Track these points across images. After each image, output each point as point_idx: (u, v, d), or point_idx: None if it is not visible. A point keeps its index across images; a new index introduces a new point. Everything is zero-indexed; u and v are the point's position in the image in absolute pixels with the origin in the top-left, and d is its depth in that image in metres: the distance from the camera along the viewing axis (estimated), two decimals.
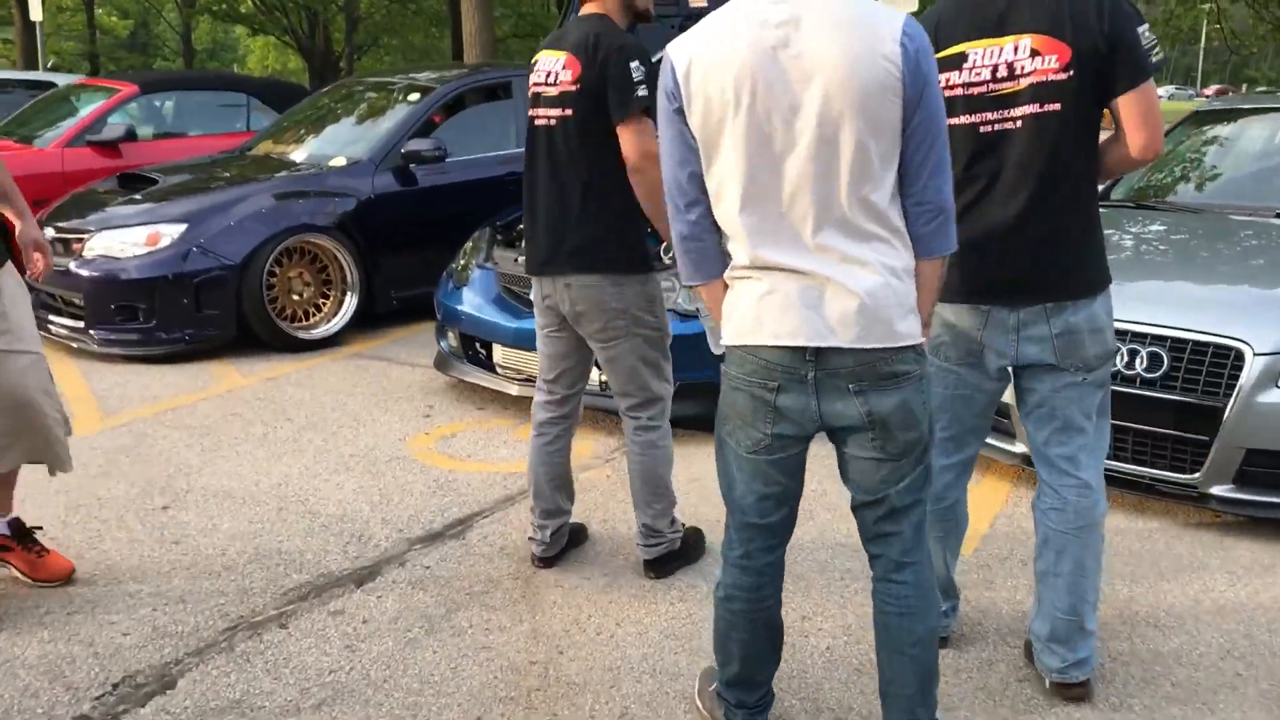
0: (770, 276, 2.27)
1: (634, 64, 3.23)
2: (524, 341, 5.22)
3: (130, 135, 8.56)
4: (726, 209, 2.29)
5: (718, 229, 2.36)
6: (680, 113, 2.30)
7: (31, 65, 21.16)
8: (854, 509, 2.49)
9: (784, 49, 2.18)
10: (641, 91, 3.21)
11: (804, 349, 2.26)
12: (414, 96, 7.64)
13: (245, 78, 14.55)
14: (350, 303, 6.90)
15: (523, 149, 7.95)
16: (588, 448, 4.94)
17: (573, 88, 3.32)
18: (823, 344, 2.24)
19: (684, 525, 3.80)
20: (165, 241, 6.37)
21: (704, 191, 2.34)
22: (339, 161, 7.16)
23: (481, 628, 3.33)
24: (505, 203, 7.45)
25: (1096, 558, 2.94)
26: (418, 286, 7.22)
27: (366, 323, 7.07)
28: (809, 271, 2.23)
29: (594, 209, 3.34)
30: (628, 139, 3.21)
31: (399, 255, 7.16)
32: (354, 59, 35.14)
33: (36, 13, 14.55)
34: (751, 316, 2.30)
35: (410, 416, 5.39)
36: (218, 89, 9.92)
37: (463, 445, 4.98)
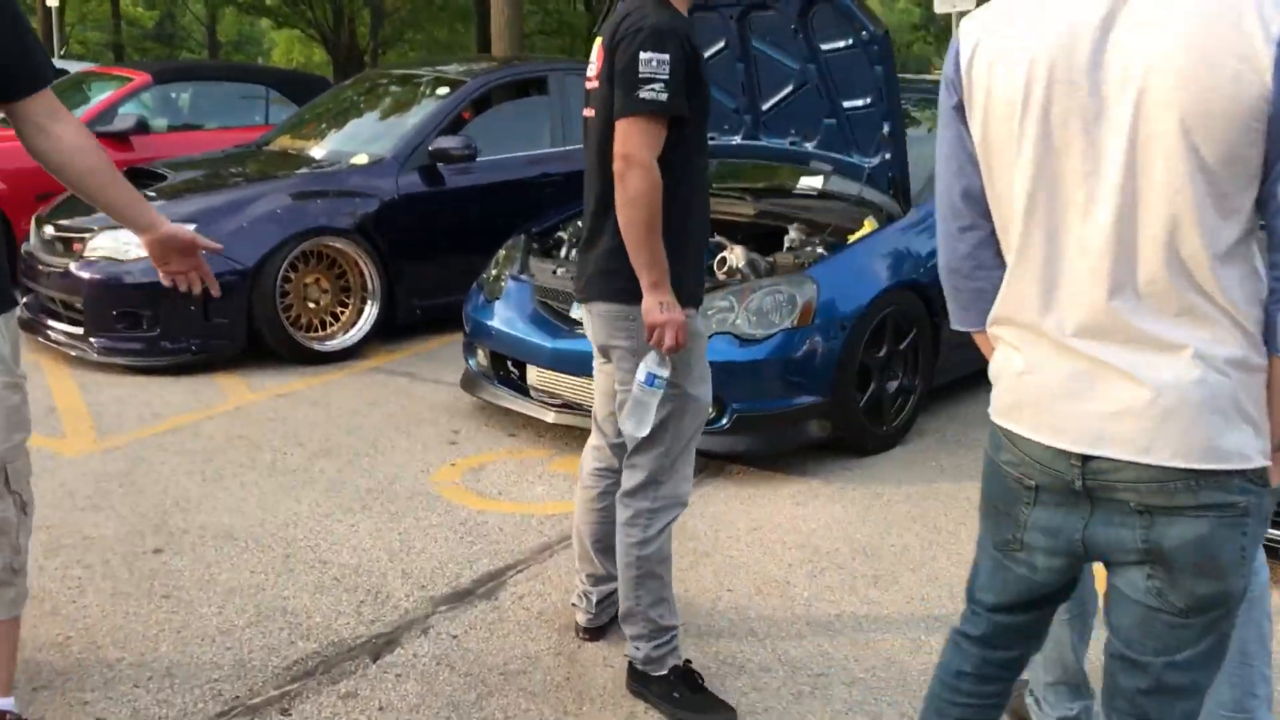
0: (1031, 347, 1.77)
1: (647, 55, 2.59)
2: (562, 363, 4.70)
3: (142, 127, 8.09)
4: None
5: (1001, 262, 1.84)
6: (960, 110, 1.81)
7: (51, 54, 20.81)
8: (1107, 657, 1.89)
9: (1102, 34, 1.63)
10: (649, 92, 2.57)
11: (1069, 452, 1.74)
12: (442, 91, 7.13)
13: (264, 68, 14.13)
14: (370, 312, 6.39)
15: (559, 148, 7.56)
16: None
17: (595, 84, 2.80)
18: (1093, 452, 1.71)
19: (683, 660, 2.98)
20: None
21: (984, 214, 1.84)
22: (361, 159, 6.66)
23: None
24: (540, 207, 6.96)
25: (1263, 640, 2.42)
26: (444, 295, 6.71)
27: (387, 334, 6.57)
28: (1082, 350, 1.70)
29: (614, 224, 2.75)
30: (616, 137, 2.63)
31: (424, 261, 6.65)
32: (379, 54, 34.72)
33: None
34: (1010, 395, 1.82)
35: (434, 443, 4.88)
36: (235, 80, 9.43)
37: (493, 480, 4.46)
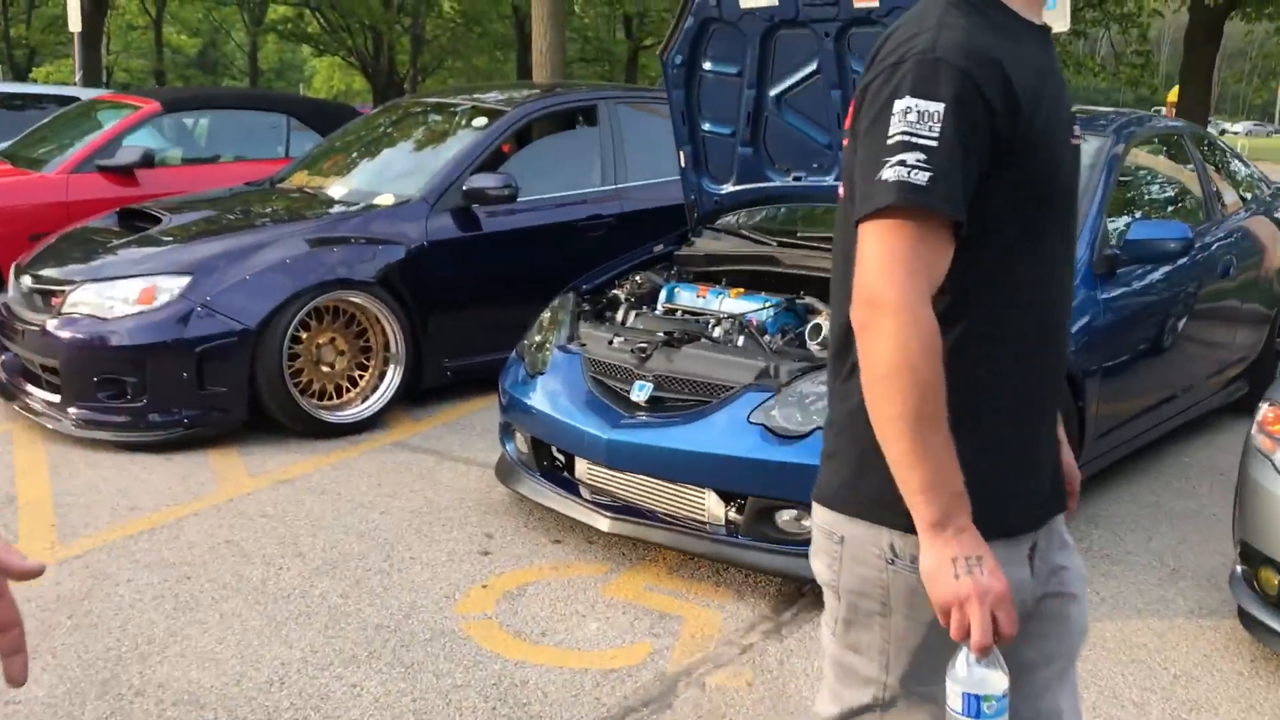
0: None
1: (905, 103, 1.53)
2: (619, 458, 3.79)
3: (148, 160, 7.30)
4: None
5: None
6: None
7: (93, 82, 20.25)
8: None
9: None
10: (897, 169, 1.50)
11: None
12: (480, 122, 6.28)
13: (284, 95, 13.38)
14: (393, 377, 5.52)
15: (610, 186, 6.70)
16: (713, 623, 3.50)
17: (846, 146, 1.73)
18: None
19: None
20: (163, 298, 5.04)
21: None
22: (386, 199, 5.82)
23: None
24: (589, 255, 6.09)
25: None
26: (478, 354, 5.86)
27: (412, 398, 5.71)
28: None
29: (851, 380, 1.66)
30: (860, 251, 1.56)
31: (455, 316, 5.79)
32: (418, 81, 34.23)
33: (75, 23, 13.50)
34: None
35: (463, 553, 3.98)
36: (252, 108, 8.64)
37: (534, 611, 3.56)
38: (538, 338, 4.49)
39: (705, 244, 4.91)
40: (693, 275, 4.81)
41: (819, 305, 4.35)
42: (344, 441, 5.24)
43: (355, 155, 6.75)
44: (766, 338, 4.13)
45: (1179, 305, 4.73)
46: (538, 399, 4.14)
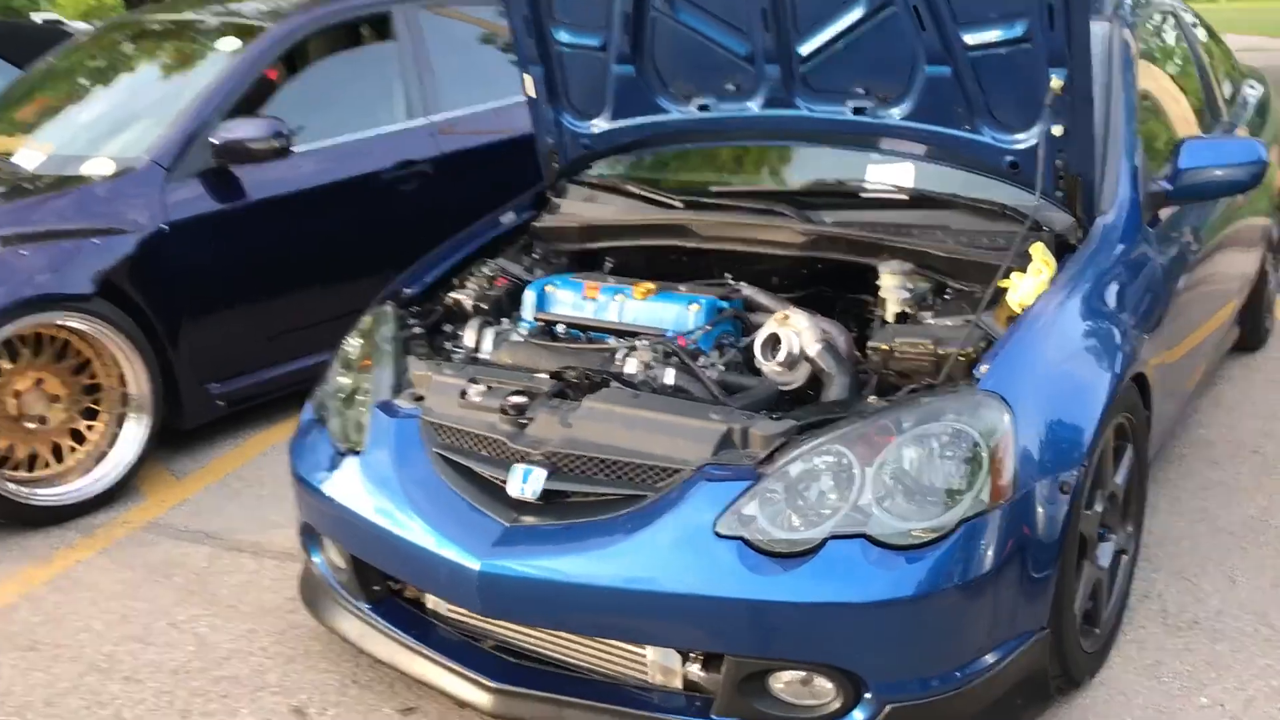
0: None
1: None
2: (502, 603, 2.32)
3: None
4: None
5: None
6: None
7: None
8: None
9: None
10: None
11: None
12: (230, 45, 4.51)
13: None
14: (137, 428, 3.85)
15: (420, 120, 4.98)
16: None
17: None
18: None
19: None
20: None
21: None
22: (103, 167, 4.06)
23: None
24: (403, 219, 4.55)
25: None
26: (258, 371, 4.27)
27: (172, 441, 4.07)
28: None
29: None
30: None
31: (220, 325, 4.15)
32: None
33: None
34: None
35: None
36: None
37: None
38: (344, 381, 2.92)
39: (575, 209, 3.43)
40: (568, 261, 3.32)
41: (762, 300, 2.94)
42: (69, 531, 3.59)
43: (59, 102, 4.87)
44: (702, 361, 2.71)
45: (1192, 254, 3.47)
46: (354, 497, 2.60)
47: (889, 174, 3.09)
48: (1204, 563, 3.18)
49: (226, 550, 3.45)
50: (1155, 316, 2.95)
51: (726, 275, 3.13)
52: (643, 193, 3.32)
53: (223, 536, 3.54)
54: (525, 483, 2.37)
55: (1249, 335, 4.59)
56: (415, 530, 2.44)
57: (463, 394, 2.60)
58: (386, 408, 2.69)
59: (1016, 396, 2.29)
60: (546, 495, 2.36)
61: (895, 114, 2.94)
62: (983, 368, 2.33)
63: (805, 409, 2.48)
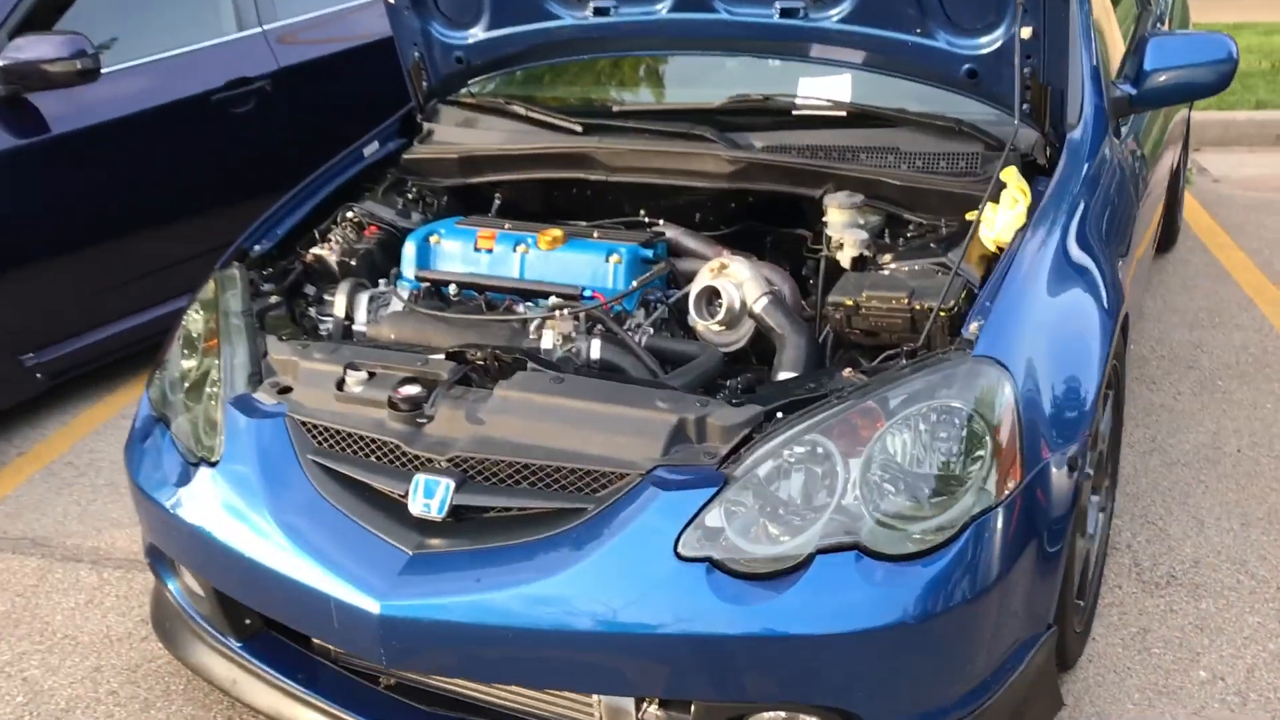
0: None
1: None
2: (412, 652, 1.87)
3: None
4: None
5: None
6: None
7: None
8: None
9: None
10: None
11: None
12: None
13: None
14: None
15: (252, 30, 4.05)
16: None
17: None
18: None
19: None
20: None
21: None
22: None
23: None
24: (239, 147, 3.97)
25: None
26: (83, 335, 3.67)
27: None
28: None
29: None
30: None
31: (27, 283, 3.51)
32: None
33: None
34: None
35: None
36: None
37: None
38: (187, 365, 2.38)
39: (451, 135, 2.92)
40: (447, 200, 2.81)
41: (690, 243, 2.52)
42: None
43: None
44: (629, 325, 2.27)
45: (1139, 162, 3.16)
46: (212, 520, 2.09)
47: (823, 88, 2.65)
48: (1166, 503, 2.93)
49: (59, 561, 2.90)
50: (1125, 240, 2.62)
51: (641, 211, 2.68)
52: (532, 114, 2.82)
53: (53, 543, 2.99)
54: (429, 497, 1.91)
55: (1164, 237, 4.36)
56: (294, 563, 1.96)
57: (339, 384, 2.10)
58: (243, 404, 2.18)
59: (1014, 361, 1.92)
60: (457, 511, 1.91)
61: (832, 16, 2.49)
62: (973, 327, 1.95)
63: (766, 387, 2.07)
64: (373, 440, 2.02)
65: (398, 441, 1.98)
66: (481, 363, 2.08)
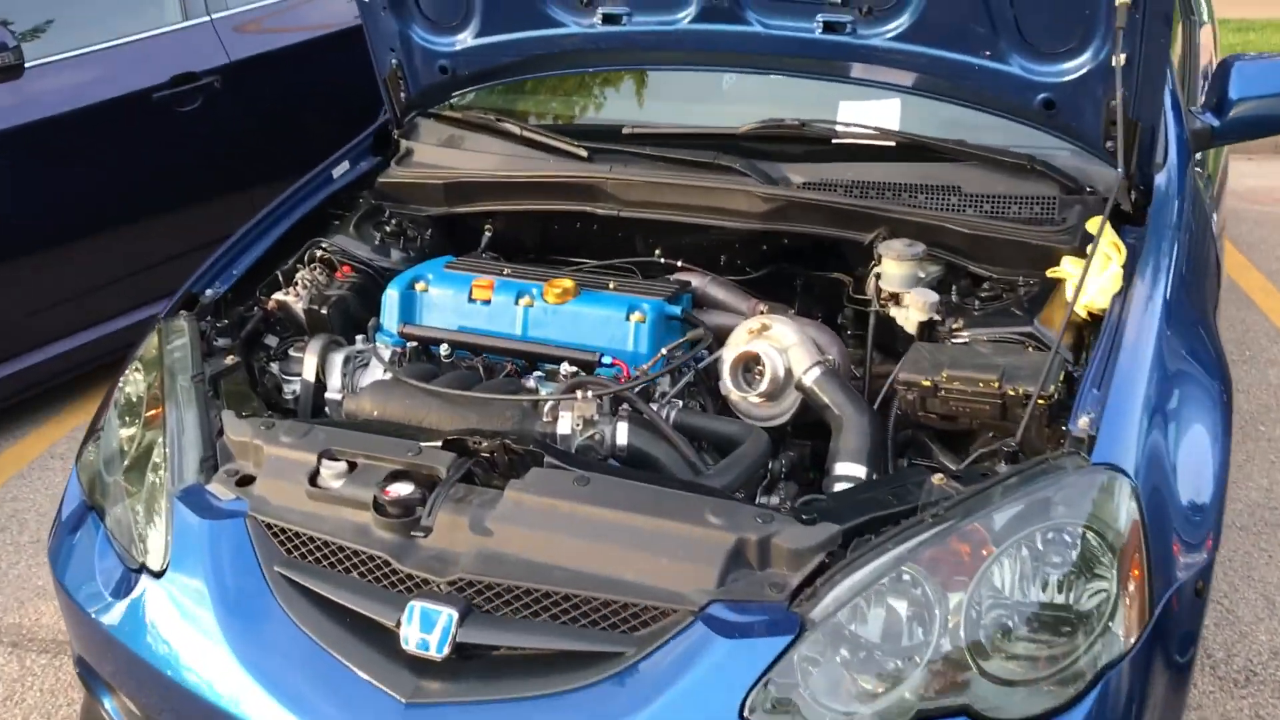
0: None
1: None
2: None
3: None
4: None
5: None
6: None
7: None
8: None
9: None
10: None
11: None
12: None
13: None
14: None
15: (199, 19, 2.53)
16: None
17: None
18: None
19: None
20: None
21: None
22: None
23: None
24: (184, 152, 3.57)
25: None
26: (13, 359, 3.28)
27: None
28: None
29: None
30: None
31: None
32: None
33: None
34: None
35: None
36: None
37: None
38: (126, 435, 1.99)
39: (433, 156, 2.54)
40: (431, 235, 2.44)
41: (720, 294, 2.18)
42: None
43: None
44: (657, 395, 1.92)
45: (1210, 197, 2.88)
46: (154, 649, 1.71)
47: (869, 113, 2.31)
48: (1229, 578, 2.64)
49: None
50: (1215, 295, 2.31)
51: (656, 251, 2.32)
52: (529, 134, 2.45)
53: None
54: (427, 630, 1.55)
55: None
56: (258, 707, 1.59)
57: (313, 477, 1.73)
58: (193, 498, 1.79)
59: (1135, 465, 1.60)
60: (461, 648, 1.55)
61: (885, 33, 2.15)
62: (1082, 422, 1.62)
63: (834, 496, 1.72)
64: (355, 553, 1.65)
65: (387, 556, 1.62)
66: (488, 455, 1.72)
